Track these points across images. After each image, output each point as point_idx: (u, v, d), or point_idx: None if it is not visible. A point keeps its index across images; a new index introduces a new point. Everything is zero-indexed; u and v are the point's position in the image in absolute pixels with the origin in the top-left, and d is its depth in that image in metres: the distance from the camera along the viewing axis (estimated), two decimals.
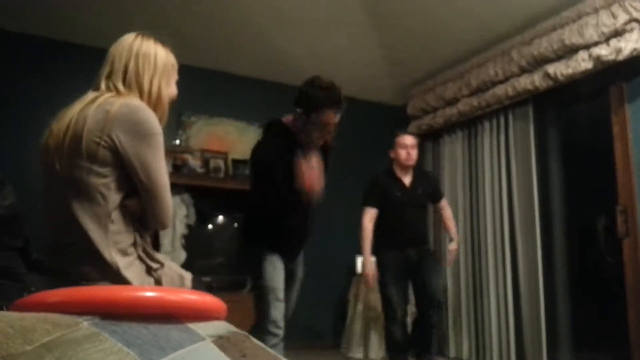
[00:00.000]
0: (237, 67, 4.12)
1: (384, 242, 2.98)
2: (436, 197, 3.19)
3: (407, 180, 3.06)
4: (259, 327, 2.12)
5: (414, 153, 3.04)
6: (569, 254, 3.43)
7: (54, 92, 2.68)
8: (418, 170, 3.16)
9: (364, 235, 2.94)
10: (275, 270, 2.17)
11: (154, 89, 1.30)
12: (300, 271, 2.41)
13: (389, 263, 2.95)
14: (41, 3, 3.20)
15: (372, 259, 2.96)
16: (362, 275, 3.06)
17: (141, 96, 1.28)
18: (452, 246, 3.10)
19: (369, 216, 2.97)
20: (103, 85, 1.26)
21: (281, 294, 2.17)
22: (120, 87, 1.25)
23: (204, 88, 4.09)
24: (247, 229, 2.32)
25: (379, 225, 2.98)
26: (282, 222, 2.21)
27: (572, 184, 3.46)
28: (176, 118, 3.95)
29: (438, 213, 3.28)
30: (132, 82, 1.26)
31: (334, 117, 2.17)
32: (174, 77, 1.40)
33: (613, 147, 2.97)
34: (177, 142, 3.91)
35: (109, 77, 1.26)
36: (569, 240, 3.43)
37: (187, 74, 4.15)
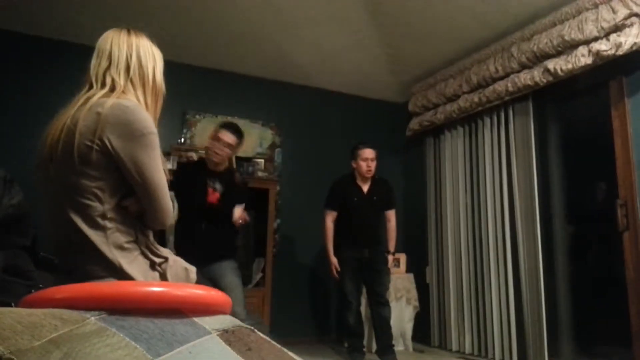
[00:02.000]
0: (240, 66, 4.15)
1: (344, 242, 3.36)
2: (388, 205, 3.53)
3: (365, 187, 3.43)
4: None
5: (373, 165, 3.38)
6: (569, 249, 3.43)
7: (59, 91, 2.69)
8: (378, 179, 3.50)
9: (327, 235, 3.39)
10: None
11: (158, 79, 1.31)
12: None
13: (347, 260, 3.34)
14: (42, 4, 3.21)
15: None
16: (329, 267, 3.41)
17: (144, 88, 1.27)
18: (390, 257, 3.48)
19: (330, 218, 3.41)
20: (98, 81, 1.23)
21: None
22: (121, 80, 1.23)
23: (208, 87, 4.13)
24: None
25: (339, 226, 3.39)
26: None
27: (572, 178, 3.47)
28: (181, 116, 3.99)
29: (387, 222, 3.58)
30: (136, 74, 1.25)
31: (223, 134, 2.76)
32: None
33: (613, 142, 2.97)
34: (182, 140, 3.95)
35: (107, 70, 1.24)
36: (570, 234, 3.44)
37: (191, 74, 4.22)
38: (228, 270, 2.75)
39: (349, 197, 3.39)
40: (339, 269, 3.34)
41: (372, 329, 3.54)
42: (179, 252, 2.43)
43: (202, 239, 2.71)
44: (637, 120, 2.87)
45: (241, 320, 2.43)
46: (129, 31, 1.31)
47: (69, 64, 3.49)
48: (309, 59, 4.03)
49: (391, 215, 3.53)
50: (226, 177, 2.84)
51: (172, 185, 2.71)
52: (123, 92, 1.23)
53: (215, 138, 2.76)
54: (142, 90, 1.27)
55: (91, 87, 1.24)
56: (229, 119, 4.15)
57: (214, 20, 3.43)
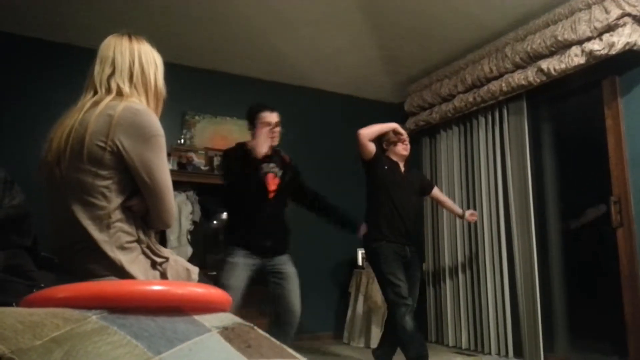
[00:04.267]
0: (238, 67, 4.17)
1: (385, 233, 2.85)
2: (427, 189, 3.20)
3: (401, 166, 3.04)
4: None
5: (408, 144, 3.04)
6: (564, 245, 3.47)
7: (59, 92, 2.70)
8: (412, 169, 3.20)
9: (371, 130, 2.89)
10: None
11: (159, 84, 1.34)
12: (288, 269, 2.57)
13: (392, 253, 2.84)
14: (42, 6, 3.21)
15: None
16: (393, 128, 2.99)
17: (147, 94, 1.29)
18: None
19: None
20: (103, 87, 1.26)
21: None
22: (126, 87, 1.26)
23: (208, 88, 4.15)
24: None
25: (379, 209, 2.89)
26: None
27: (566, 176, 3.50)
28: (180, 117, 4.01)
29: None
30: (139, 80, 1.28)
31: (271, 116, 2.53)
32: None
33: (606, 140, 3.00)
34: (182, 141, 3.96)
35: (111, 77, 1.27)
36: (564, 231, 3.47)
37: (191, 75, 4.22)
38: (289, 262, 2.59)
39: (392, 169, 2.96)
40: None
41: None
42: (240, 245, 2.45)
43: (268, 229, 2.51)
44: (630, 118, 2.90)
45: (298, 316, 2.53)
46: (130, 37, 1.33)
47: (69, 66, 3.50)
48: (306, 60, 4.05)
49: (436, 192, 3.23)
50: (276, 159, 2.61)
51: (225, 173, 2.58)
52: (129, 97, 1.26)
53: (263, 124, 2.51)
54: (145, 95, 1.30)
55: (96, 92, 1.27)
56: (228, 119, 4.18)
57: (213, 22, 3.44)
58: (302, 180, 2.78)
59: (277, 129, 2.56)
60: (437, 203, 3.41)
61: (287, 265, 2.56)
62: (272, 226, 2.54)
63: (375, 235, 2.86)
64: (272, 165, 2.56)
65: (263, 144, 2.47)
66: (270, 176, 2.54)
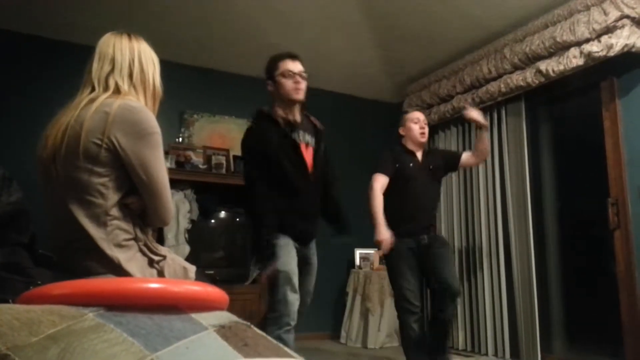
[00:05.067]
0: (237, 66, 4.17)
1: (396, 226, 2.64)
2: (455, 161, 2.94)
3: (419, 155, 2.86)
4: (272, 317, 1.99)
5: (427, 129, 2.87)
6: (561, 246, 3.47)
7: (56, 89, 2.70)
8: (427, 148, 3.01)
9: (375, 201, 2.64)
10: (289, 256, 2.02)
11: (157, 83, 1.34)
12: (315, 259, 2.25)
13: (403, 252, 2.65)
14: (41, 3, 3.20)
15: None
16: (377, 242, 2.65)
17: (145, 92, 1.29)
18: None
19: (380, 184, 2.71)
20: (100, 84, 1.26)
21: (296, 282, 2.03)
22: (125, 85, 1.26)
23: (206, 87, 4.16)
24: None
25: (390, 204, 2.69)
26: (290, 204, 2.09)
27: (564, 178, 3.51)
28: (179, 116, 4.01)
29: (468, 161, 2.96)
30: (138, 79, 1.28)
31: (293, 64, 2.14)
32: None
33: (604, 141, 3.01)
34: (180, 139, 3.96)
35: (111, 74, 1.26)
36: (562, 232, 3.48)
37: (189, 74, 4.22)
38: (315, 250, 2.26)
39: (404, 164, 2.78)
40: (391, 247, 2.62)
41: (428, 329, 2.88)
42: (281, 230, 2.00)
43: (309, 212, 2.16)
44: (628, 120, 2.91)
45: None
46: (129, 36, 1.33)
47: (67, 63, 3.49)
48: (306, 60, 4.03)
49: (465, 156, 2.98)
50: (305, 125, 2.21)
51: (247, 154, 2.14)
52: (126, 95, 1.26)
53: (284, 74, 2.11)
54: (143, 94, 1.30)
55: (93, 89, 1.26)
56: (227, 118, 4.18)
57: (211, 21, 3.45)
58: (328, 155, 2.37)
59: (303, 81, 2.12)
60: (473, 163, 3.04)
61: (315, 256, 2.25)
62: (312, 208, 2.18)
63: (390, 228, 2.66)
64: (302, 132, 2.16)
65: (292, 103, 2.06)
66: (303, 146, 2.13)
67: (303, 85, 2.12)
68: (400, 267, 2.65)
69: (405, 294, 2.62)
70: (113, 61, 1.28)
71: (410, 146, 2.86)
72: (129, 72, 1.28)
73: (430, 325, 2.78)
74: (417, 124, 2.85)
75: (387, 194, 2.73)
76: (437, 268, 2.64)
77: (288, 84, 2.09)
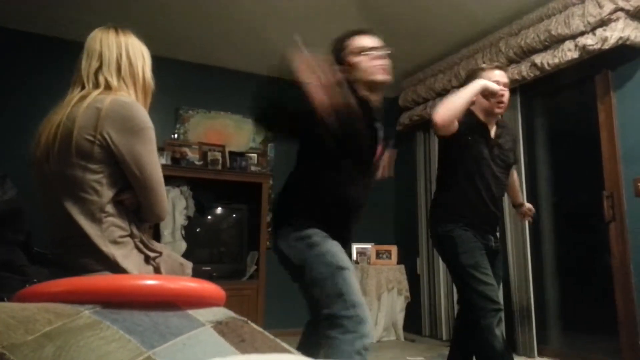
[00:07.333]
0: (232, 62, 4.16)
1: (462, 214, 2.13)
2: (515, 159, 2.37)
3: (492, 131, 2.20)
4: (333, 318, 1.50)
5: (507, 96, 2.16)
6: (557, 239, 3.49)
7: (52, 88, 2.69)
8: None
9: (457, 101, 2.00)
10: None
11: (147, 76, 1.33)
12: None
13: (470, 240, 2.10)
14: (40, 2, 3.18)
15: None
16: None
17: (135, 87, 1.29)
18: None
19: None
20: (90, 81, 1.25)
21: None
22: (114, 80, 1.25)
23: (201, 83, 4.14)
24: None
25: (452, 192, 2.19)
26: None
27: (559, 170, 3.52)
28: (174, 112, 4.00)
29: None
30: (127, 74, 1.27)
31: (368, 40, 1.74)
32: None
33: (599, 134, 3.02)
34: (175, 135, 3.95)
35: (99, 71, 1.25)
36: (557, 225, 3.50)
37: (184, 70, 4.20)
38: None
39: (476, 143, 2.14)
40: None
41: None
42: (320, 225, 1.59)
43: (359, 208, 1.76)
44: (623, 113, 2.92)
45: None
46: (116, 30, 1.32)
47: (63, 61, 3.47)
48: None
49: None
50: (380, 113, 1.79)
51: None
52: (117, 90, 1.25)
53: (356, 50, 1.72)
54: (133, 88, 1.29)
55: (83, 86, 1.25)
56: (222, 114, 4.18)
57: (206, 17, 3.43)
58: None
59: (385, 59, 1.70)
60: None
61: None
62: (361, 207, 1.77)
63: (447, 216, 2.15)
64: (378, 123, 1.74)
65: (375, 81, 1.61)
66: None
67: (386, 65, 1.80)
68: (474, 254, 2.05)
69: (485, 291, 2.00)
70: (101, 57, 1.27)
71: (482, 116, 2.17)
72: (117, 67, 1.27)
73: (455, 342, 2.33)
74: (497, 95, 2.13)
75: (447, 176, 2.21)
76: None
77: (368, 61, 1.74)
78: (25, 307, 0.85)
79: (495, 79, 2.13)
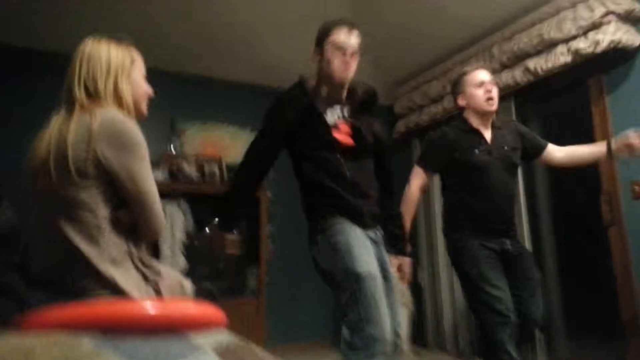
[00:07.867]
0: (228, 73, 4.15)
1: (464, 223, 2.12)
2: (537, 150, 2.28)
3: (487, 134, 2.18)
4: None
5: (496, 93, 2.17)
6: (556, 243, 3.49)
7: (45, 104, 2.68)
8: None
9: (405, 204, 2.19)
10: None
11: (110, 90, 1.27)
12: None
13: (475, 247, 2.06)
14: (29, 14, 3.18)
15: None
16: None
17: (123, 99, 1.26)
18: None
19: (418, 181, 2.21)
20: (78, 95, 1.23)
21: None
22: (101, 92, 1.23)
23: (197, 94, 4.13)
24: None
25: (454, 203, 2.20)
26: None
27: (556, 175, 3.53)
28: (169, 124, 3.98)
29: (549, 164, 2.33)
30: (90, 88, 1.24)
31: (346, 35, 1.87)
32: (138, 72, 1.35)
33: (594, 138, 3.03)
34: (171, 148, 3.93)
35: (86, 84, 1.24)
36: (556, 229, 3.49)
37: (179, 81, 4.20)
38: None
39: (467, 150, 2.14)
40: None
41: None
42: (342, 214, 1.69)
43: (360, 199, 1.79)
44: (617, 116, 2.93)
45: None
46: (101, 40, 1.31)
47: (56, 75, 3.47)
48: (298, 64, 4.04)
49: (552, 149, 2.37)
50: (350, 98, 1.95)
51: (267, 129, 1.94)
52: (105, 104, 1.23)
53: (333, 44, 1.84)
54: (122, 100, 1.26)
55: (72, 101, 1.24)
56: (219, 125, 4.16)
57: (202, 28, 3.44)
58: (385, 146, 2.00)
59: (354, 57, 1.85)
60: (558, 163, 2.37)
61: None
62: (358, 185, 1.84)
63: (453, 226, 2.17)
64: (338, 108, 1.88)
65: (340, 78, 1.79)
66: (339, 123, 1.85)
67: (353, 64, 1.95)
68: (476, 263, 2.00)
69: (488, 302, 1.92)
70: (87, 69, 1.25)
71: (475, 122, 2.18)
72: (78, 81, 1.24)
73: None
74: (480, 87, 2.16)
75: (448, 188, 2.23)
76: (518, 296, 2.01)
77: (336, 60, 1.92)
78: (25, 337, 0.84)
79: (479, 80, 2.19)
